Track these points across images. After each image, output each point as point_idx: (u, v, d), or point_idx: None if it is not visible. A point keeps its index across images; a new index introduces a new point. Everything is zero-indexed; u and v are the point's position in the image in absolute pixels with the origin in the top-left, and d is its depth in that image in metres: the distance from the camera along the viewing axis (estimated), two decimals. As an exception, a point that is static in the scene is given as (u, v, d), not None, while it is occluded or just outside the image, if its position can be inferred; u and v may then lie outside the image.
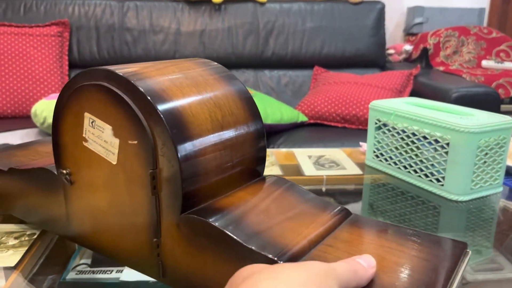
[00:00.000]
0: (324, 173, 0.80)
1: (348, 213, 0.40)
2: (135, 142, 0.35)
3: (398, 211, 0.67)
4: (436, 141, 0.69)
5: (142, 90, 0.35)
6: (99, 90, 0.37)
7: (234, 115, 0.40)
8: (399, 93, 1.75)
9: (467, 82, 1.79)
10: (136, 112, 0.35)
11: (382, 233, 0.37)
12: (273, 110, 1.63)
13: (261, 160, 0.43)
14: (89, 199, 0.42)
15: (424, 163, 0.72)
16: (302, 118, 1.73)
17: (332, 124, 1.74)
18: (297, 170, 0.81)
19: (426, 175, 0.72)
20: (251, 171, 0.42)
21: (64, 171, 0.43)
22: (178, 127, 0.35)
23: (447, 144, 0.68)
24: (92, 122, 0.38)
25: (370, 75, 1.91)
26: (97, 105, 0.37)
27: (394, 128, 0.77)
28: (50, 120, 1.45)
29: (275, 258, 0.31)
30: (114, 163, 0.37)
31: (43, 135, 1.55)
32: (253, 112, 0.42)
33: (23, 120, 1.72)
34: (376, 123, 0.80)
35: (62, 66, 1.90)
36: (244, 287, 0.24)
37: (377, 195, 0.74)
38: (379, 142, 0.81)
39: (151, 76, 0.37)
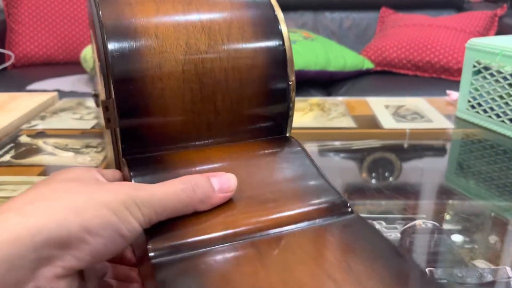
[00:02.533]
0: (406, 126, 0.68)
1: (342, 212, 0.27)
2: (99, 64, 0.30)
3: (497, 174, 0.55)
4: (561, 88, 0.55)
5: None
6: (89, 2, 0.32)
7: (233, 49, 0.30)
8: (481, 37, 1.54)
9: None
10: (96, 27, 0.29)
11: (354, 256, 0.23)
12: (336, 56, 1.48)
13: (277, 115, 0.32)
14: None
15: (541, 115, 0.57)
16: (368, 65, 1.57)
17: (402, 71, 1.57)
18: (373, 122, 0.70)
19: (541, 131, 0.58)
20: (256, 127, 0.32)
21: (93, 92, 0.40)
22: (123, 46, 0.28)
23: None
24: (93, 40, 0.34)
25: (445, 16, 1.71)
26: (91, 19, 0.32)
27: (500, 72, 0.62)
28: (100, 65, 1.39)
29: (149, 246, 0.24)
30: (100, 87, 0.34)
31: (93, 81, 1.50)
32: (274, 53, 0.31)
33: (73, 65, 1.69)
34: (474, 66, 0.66)
35: (113, 10, 1.83)
36: (33, 188, 0.23)
37: (470, 154, 0.62)
38: (476, 90, 0.67)
39: None
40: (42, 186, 0.23)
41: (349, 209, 0.27)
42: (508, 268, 0.38)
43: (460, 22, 1.59)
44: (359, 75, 1.58)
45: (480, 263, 0.39)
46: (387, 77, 1.57)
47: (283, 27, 0.32)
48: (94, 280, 0.26)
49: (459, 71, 1.46)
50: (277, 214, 0.26)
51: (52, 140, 0.61)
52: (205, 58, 0.29)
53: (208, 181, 0.25)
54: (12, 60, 1.70)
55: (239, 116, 0.31)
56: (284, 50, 0.31)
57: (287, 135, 0.33)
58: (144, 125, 0.29)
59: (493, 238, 0.43)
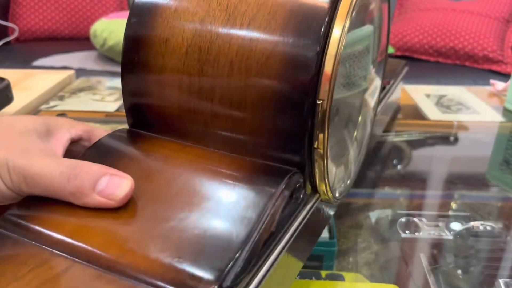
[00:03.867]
0: (453, 117, 0.64)
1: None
2: None
3: (550, 171, 0.51)
4: None
5: None
6: None
7: (249, 38, 0.24)
8: (507, 23, 1.49)
9: None
10: None
11: None
12: (355, 39, 1.43)
13: (288, 140, 0.24)
14: None
15: None
16: (389, 49, 1.52)
17: (424, 57, 1.53)
18: (416, 112, 0.67)
19: None
20: (259, 147, 0.25)
21: None
22: (143, 12, 0.26)
23: None
24: None
25: (468, 1, 1.65)
26: None
27: (562, 63, 0.58)
28: (110, 42, 1.33)
29: (6, 213, 0.23)
30: None
31: (102, 58, 1.44)
32: (298, 58, 0.23)
33: (81, 41, 1.64)
34: (530, 55, 0.61)
35: (120, -16, 1.77)
36: None
37: None
38: (531, 81, 0.62)
39: None
40: None
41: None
42: None
43: (485, 7, 1.54)
44: (378, 59, 1.53)
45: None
46: (409, 62, 1.52)
47: (336, 29, 0.23)
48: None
49: (484, 59, 1.41)
50: (123, 258, 0.20)
51: (74, 124, 0.57)
52: (213, 43, 0.24)
53: (94, 177, 0.22)
54: (16, 34, 1.64)
55: (238, 125, 0.25)
56: (316, 58, 0.23)
57: (309, 171, 0.26)
58: (144, 101, 0.27)
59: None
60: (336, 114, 0.27)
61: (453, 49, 1.44)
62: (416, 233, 0.40)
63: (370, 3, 0.30)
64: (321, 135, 0.24)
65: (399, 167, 0.52)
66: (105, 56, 1.44)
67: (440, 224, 0.42)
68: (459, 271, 0.37)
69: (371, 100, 0.36)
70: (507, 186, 0.49)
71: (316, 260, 0.36)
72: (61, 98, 0.65)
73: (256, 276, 0.21)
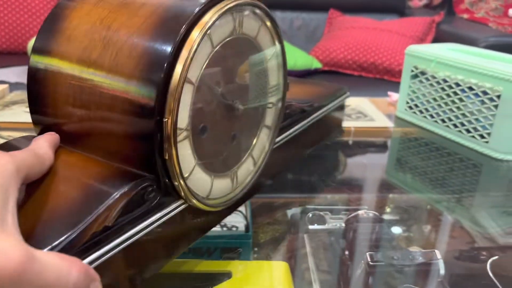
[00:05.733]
0: (351, 124, 0.73)
1: None
2: None
3: (431, 168, 0.60)
4: (485, 92, 0.62)
5: None
6: None
7: (113, 66, 0.29)
8: (420, 41, 1.64)
9: (494, 31, 1.68)
10: None
11: None
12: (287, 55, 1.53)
13: (141, 151, 0.29)
14: None
15: (467, 117, 0.64)
16: (316, 64, 1.63)
17: (348, 72, 1.65)
18: None
19: (468, 130, 0.65)
20: (125, 157, 0.30)
21: None
22: (47, 35, 0.31)
23: (498, 96, 0.60)
24: None
25: (389, 21, 1.80)
26: None
27: (434, 77, 0.69)
28: (48, 57, 1.35)
29: None
30: None
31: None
32: (144, 83, 0.28)
33: (19, 56, 1.63)
34: (412, 71, 0.72)
35: (60, 0, 1.77)
36: None
37: (407, 150, 0.68)
38: (414, 92, 0.73)
39: None
40: None
41: None
42: (436, 251, 0.42)
43: (402, 26, 1.69)
44: (308, 74, 1.64)
45: (415, 249, 0.43)
46: (334, 76, 1.64)
47: (179, 65, 0.28)
48: None
49: (400, 73, 1.55)
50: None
51: (6, 133, 0.61)
52: (89, 69, 0.29)
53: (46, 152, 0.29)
54: (-50, 48, 1.61)
55: (108, 138, 0.30)
56: (159, 84, 0.27)
57: (172, 181, 0.30)
58: (45, 116, 0.31)
59: (426, 227, 0.47)
60: (204, 131, 0.33)
61: (374, 64, 1.57)
62: (323, 225, 0.46)
63: (252, 37, 0.36)
64: (169, 148, 0.29)
65: (307, 169, 0.57)
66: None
67: (343, 217, 0.47)
68: (347, 252, 0.42)
69: (269, 118, 0.41)
70: (399, 182, 0.57)
71: (234, 252, 0.40)
72: (-6, 110, 0.69)
73: (87, 258, 0.26)
